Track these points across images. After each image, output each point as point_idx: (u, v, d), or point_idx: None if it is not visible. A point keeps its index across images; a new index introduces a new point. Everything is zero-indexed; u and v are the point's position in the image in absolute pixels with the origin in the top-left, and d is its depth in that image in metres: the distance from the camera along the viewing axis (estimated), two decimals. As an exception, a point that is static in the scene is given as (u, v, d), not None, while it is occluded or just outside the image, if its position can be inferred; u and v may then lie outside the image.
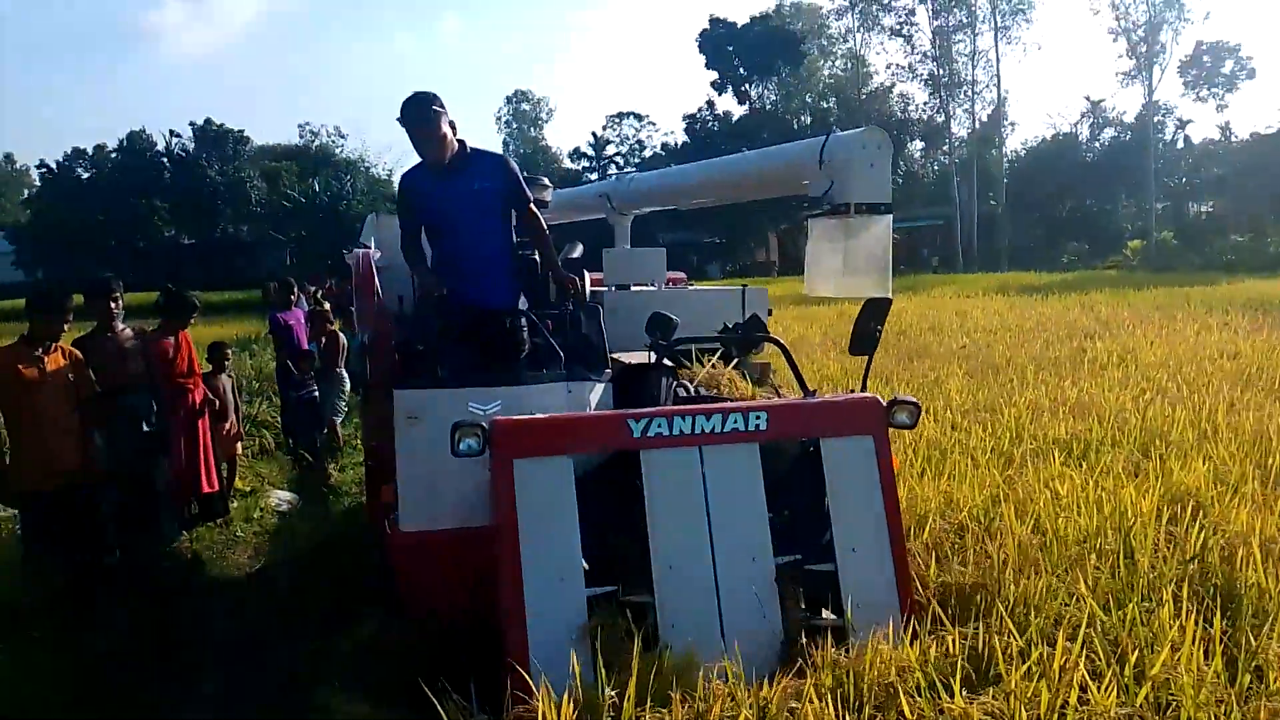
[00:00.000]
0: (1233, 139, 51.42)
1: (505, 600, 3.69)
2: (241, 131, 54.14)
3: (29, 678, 4.67)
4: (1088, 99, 56.23)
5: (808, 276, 4.48)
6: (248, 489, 8.88)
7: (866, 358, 4.46)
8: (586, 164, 64.95)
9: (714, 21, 59.57)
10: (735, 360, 5.16)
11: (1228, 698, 3.17)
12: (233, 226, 51.44)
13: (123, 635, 5.19)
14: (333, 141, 58.99)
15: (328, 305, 15.40)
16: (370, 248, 5.44)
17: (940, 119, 55.01)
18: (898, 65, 64.75)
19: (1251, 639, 3.52)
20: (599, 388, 4.56)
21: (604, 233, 8.86)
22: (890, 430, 4.19)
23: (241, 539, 7.44)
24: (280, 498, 8.58)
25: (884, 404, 4.19)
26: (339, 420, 10.55)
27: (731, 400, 4.45)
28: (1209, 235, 44.32)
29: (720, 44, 59.18)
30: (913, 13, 54.18)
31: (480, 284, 4.77)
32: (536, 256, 5.41)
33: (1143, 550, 4.30)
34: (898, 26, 54.75)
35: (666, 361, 4.73)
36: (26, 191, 65.07)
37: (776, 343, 4.77)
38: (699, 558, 3.89)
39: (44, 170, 53.49)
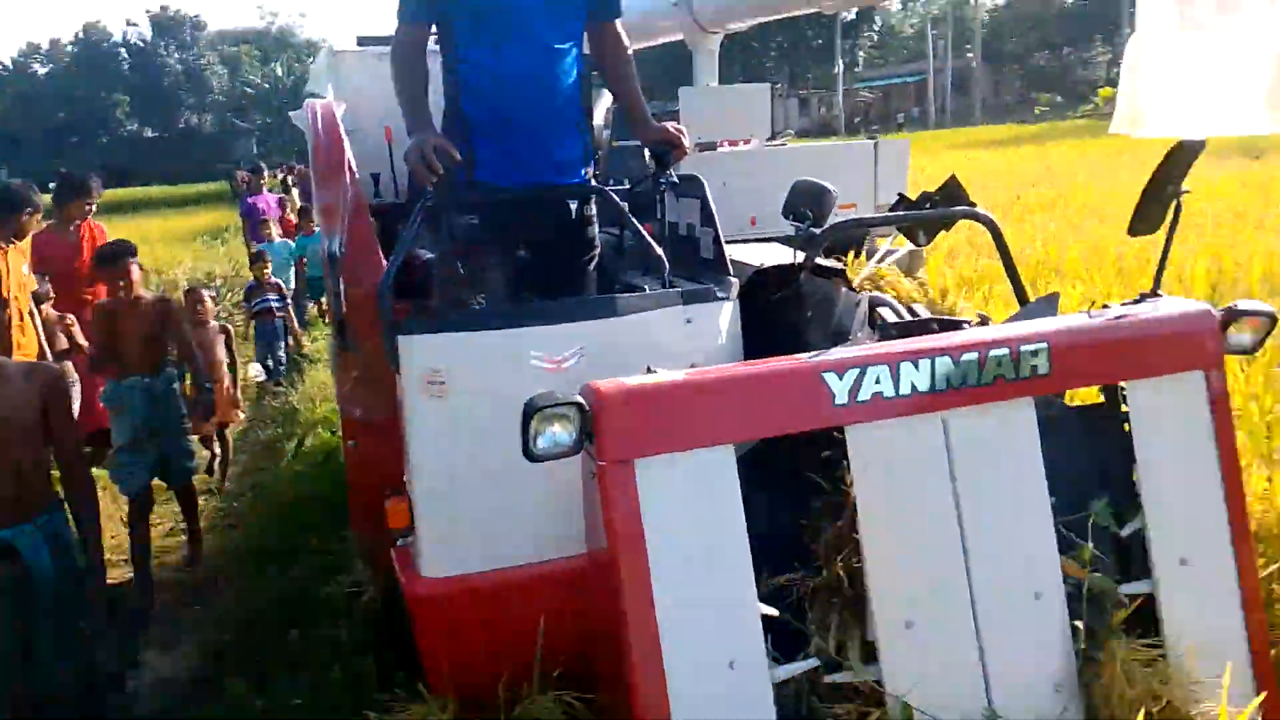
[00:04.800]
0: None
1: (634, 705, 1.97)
2: (198, 16, 50.27)
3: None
4: (1065, -57, 52.46)
5: (1131, 101, 2.53)
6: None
7: (1164, 239, 2.61)
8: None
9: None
10: (890, 253, 3.31)
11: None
12: (196, 117, 47.98)
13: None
14: (294, 22, 54.87)
15: (296, 193, 13.24)
16: (328, 98, 3.41)
17: (915, -30, 51.45)
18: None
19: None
20: (727, 309, 2.70)
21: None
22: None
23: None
24: (257, 369, 8.08)
25: (1218, 316, 2.40)
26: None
27: (961, 320, 2.61)
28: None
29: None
30: None
31: (537, 142, 2.77)
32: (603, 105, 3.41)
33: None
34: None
35: (824, 260, 2.86)
36: (-18, 90, 60.37)
37: (986, 220, 2.93)
38: (950, 604, 2.16)
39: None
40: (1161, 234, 2.61)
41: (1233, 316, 2.41)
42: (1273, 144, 14.82)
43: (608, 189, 2.85)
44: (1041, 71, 51.49)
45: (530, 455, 2.00)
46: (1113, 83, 44.87)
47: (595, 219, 2.88)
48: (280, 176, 15.46)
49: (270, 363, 7.84)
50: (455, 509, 2.37)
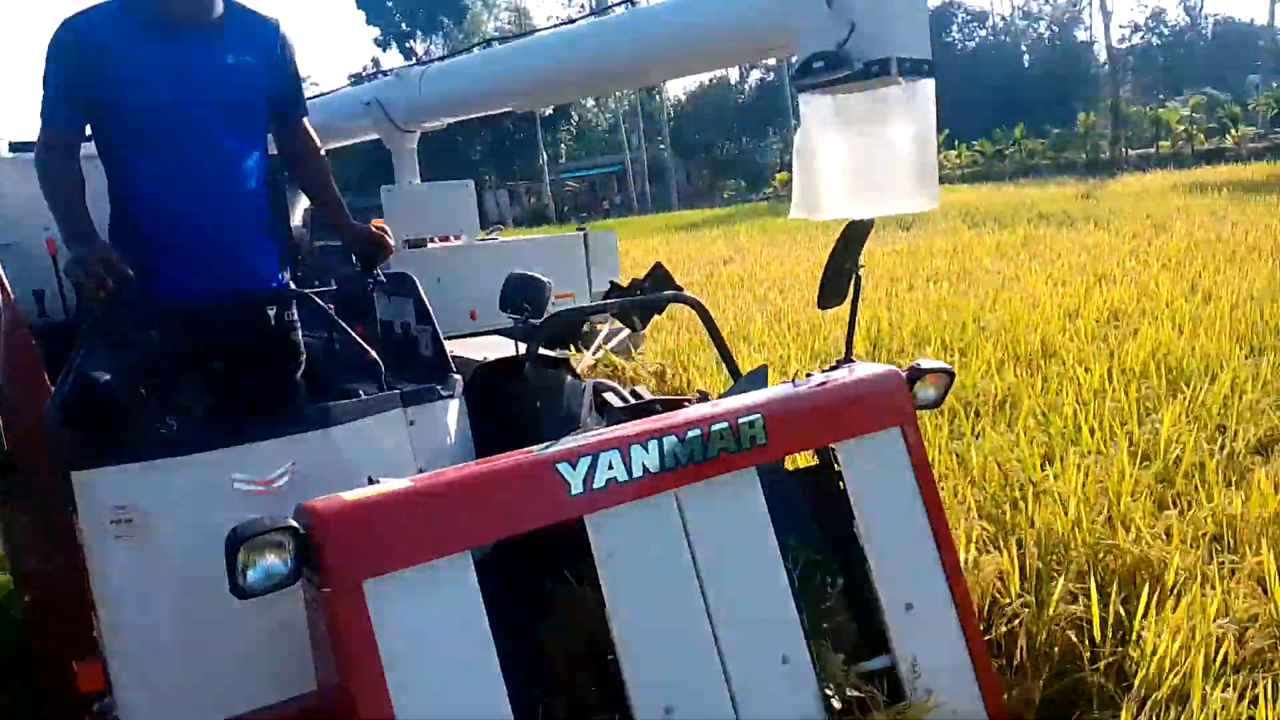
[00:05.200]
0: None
1: None
2: None
3: None
4: (731, 45, 57.73)
5: (804, 189, 2.68)
6: None
7: (849, 312, 2.83)
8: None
9: (369, -24, 55.24)
10: (614, 333, 3.37)
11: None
12: None
13: None
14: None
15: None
16: None
17: (604, 69, 54.45)
18: (557, 16, 62.67)
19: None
20: (453, 406, 2.59)
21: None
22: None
23: None
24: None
25: (904, 376, 2.62)
26: None
27: (682, 399, 2.66)
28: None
29: (379, -1, 55.09)
30: (564, -36, 53.08)
31: (222, 250, 2.53)
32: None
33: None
34: (553, -21, 53.33)
35: (547, 350, 2.84)
36: None
37: (694, 303, 3.05)
38: (706, 682, 2.15)
39: None
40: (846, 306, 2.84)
41: (917, 374, 2.63)
42: (920, 216, 17.06)
43: (310, 291, 2.67)
44: (725, 160, 56.04)
45: (240, 592, 1.77)
46: (786, 168, 49.76)
47: (298, 324, 2.68)
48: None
49: None
50: (159, 665, 2.06)
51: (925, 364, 2.66)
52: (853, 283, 2.79)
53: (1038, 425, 4.52)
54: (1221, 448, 4.14)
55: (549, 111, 51.45)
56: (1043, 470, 3.89)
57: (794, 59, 2.66)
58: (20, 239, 3.28)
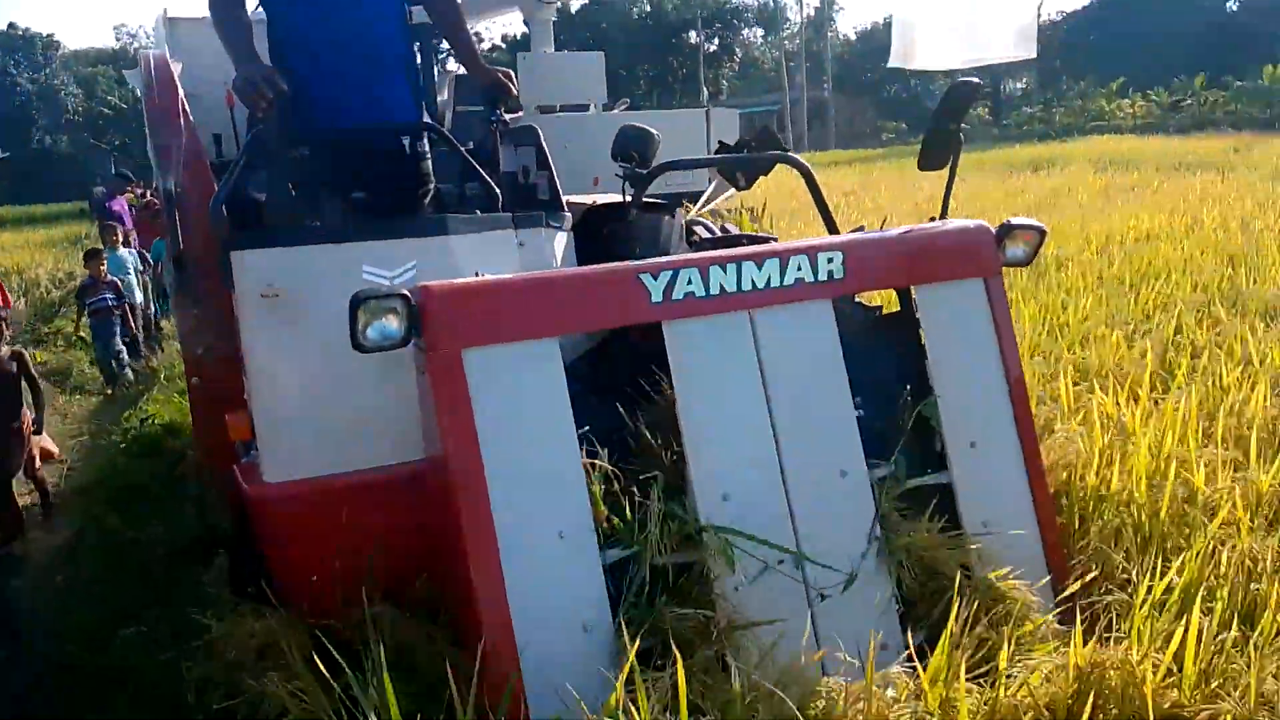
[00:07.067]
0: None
1: (473, 586, 2.05)
2: (51, 36, 47.62)
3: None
4: (908, -18, 55.04)
5: (903, 39, 2.75)
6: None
7: (947, 175, 2.87)
8: None
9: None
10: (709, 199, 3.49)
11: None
12: (50, 137, 45.32)
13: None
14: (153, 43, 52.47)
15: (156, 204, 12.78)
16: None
17: (772, 4, 53.20)
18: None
19: None
20: (560, 238, 2.81)
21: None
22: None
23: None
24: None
25: (994, 232, 2.66)
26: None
27: (769, 237, 2.79)
28: (1014, 110, 44.93)
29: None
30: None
31: (366, 82, 2.81)
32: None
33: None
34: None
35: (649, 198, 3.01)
36: None
37: (796, 163, 3.14)
38: (763, 479, 2.32)
39: None
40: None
41: (1007, 230, 2.66)
42: (1058, 160, 17.03)
43: (437, 126, 2.92)
44: (892, 101, 53.95)
45: (359, 346, 2.05)
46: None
47: (428, 155, 2.94)
48: (140, 193, 14.87)
49: (112, 363, 7.43)
50: (293, 416, 2.40)
51: (1016, 221, 2.68)
52: (953, 147, 2.84)
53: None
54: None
55: (713, 48, 50.84)
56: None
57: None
58: (202, 92, 3.69)
